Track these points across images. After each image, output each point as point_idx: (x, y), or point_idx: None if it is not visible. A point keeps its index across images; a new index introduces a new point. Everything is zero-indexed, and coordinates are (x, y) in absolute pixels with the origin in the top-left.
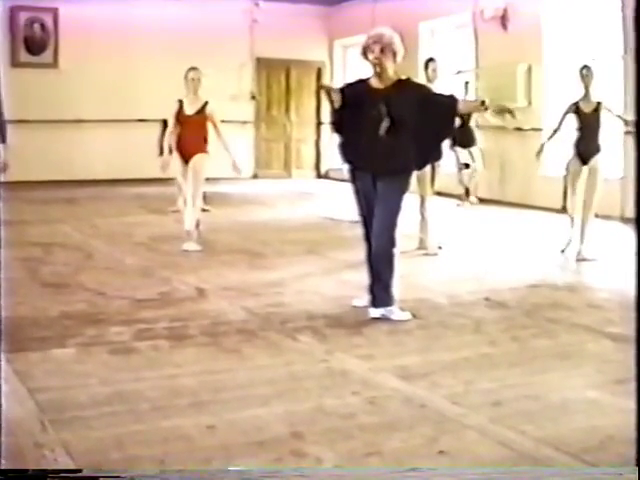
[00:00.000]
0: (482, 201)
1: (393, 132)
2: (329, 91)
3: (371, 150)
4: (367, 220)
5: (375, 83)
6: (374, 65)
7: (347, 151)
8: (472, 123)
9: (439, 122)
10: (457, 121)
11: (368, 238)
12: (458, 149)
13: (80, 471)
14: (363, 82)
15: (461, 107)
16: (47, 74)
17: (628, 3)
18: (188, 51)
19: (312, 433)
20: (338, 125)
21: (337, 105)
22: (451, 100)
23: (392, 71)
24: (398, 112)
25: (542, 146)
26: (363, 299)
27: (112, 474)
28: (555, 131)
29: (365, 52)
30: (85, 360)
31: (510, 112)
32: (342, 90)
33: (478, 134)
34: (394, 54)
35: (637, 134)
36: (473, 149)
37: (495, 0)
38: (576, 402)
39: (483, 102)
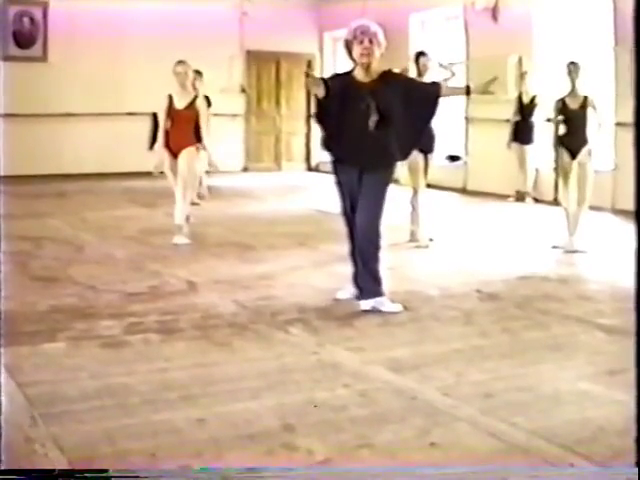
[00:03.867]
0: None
1: (381, 126)
2: (311, 82)
3: (359, 144)
4: (350, 215)
5: (361, 76)
6: (362, 56)
7: (332, 144)
8: (534, 118)
9: (423, 110)
10: (516, 116)
11: (352, 235)
12: (514, 145)
13: (106, 471)
14: (347, 75)
15: (445, 92)
16: (36, 68)
17: None
18: (178, 44)
19: (303, 426)
20: (321, 116)
21: (320, 95)
22: (434, 87)
23: (377, 63)
24: (385, 105)
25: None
26: (347, 291)
27: (134, 474)
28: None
29: (350, 44)
30: (75, 354)
31: (493, 81)
32: (325, 81)
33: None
34: (379, 46)
35: (636, 129)
36: (531, 147)
37: None
38: (568, 394)
39: (468, 87)
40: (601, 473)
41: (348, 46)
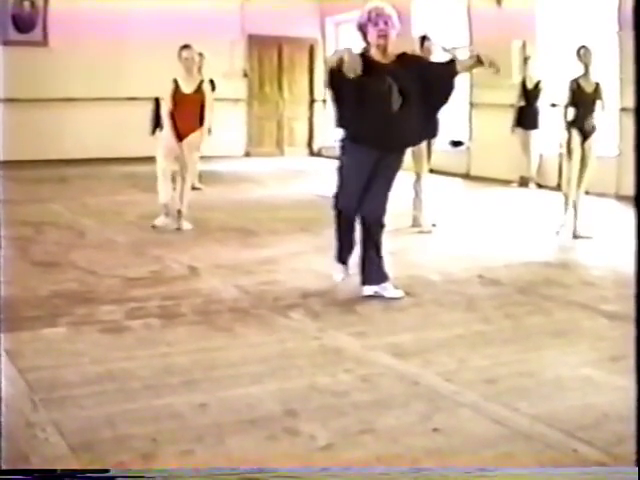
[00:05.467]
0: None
1: (403, 107)
2: (350, 63)
3: (382, 125)
4: (353, 194)
5: (379, 57)
6: (379, 38)
7: (351, 125)
8: (539, 103)
9: (440, 91)
10: (520, 101)
11: (346, 218)
12: (518, 130)
13: (107, 471)
14: (363, 55)
15: (459, 68)
16: (36, 52)
17: None
18: (179, 29)
19: (305, 411)
20: (339, 96)
21: (359, 71)
22: (450, 66)
23: (392, 46)
24: (406, 87)
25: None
26: (339, 270)
27: (139, 474)
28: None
29: (365, 27)
30: (76, 339)
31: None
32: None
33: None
34: (394, 29)
35: (636, 116)
36: (535, 132)
37: None
38: (571, 379)
39: (479, 57)
40: (601, 473)
41: (362, 29)
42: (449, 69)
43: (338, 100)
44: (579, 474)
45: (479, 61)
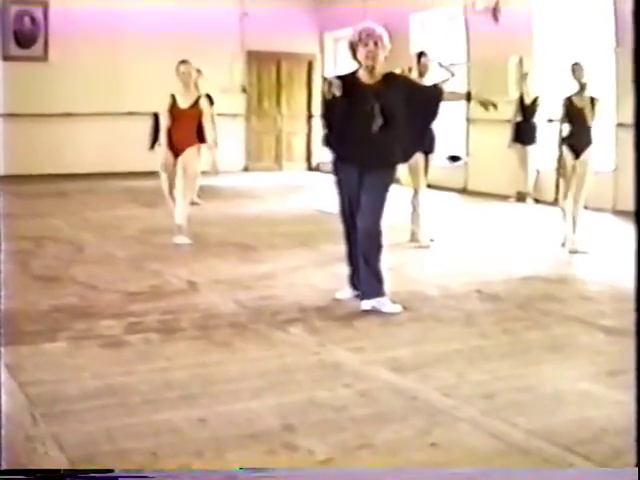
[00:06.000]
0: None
1: (384, 128)
2: (330, 85)
3: (361, 144)
4: (347, 215)
5: (365, 77)
6: (367, 59)
7: (335, 143)
8: (536, 119)
9: (425, 113)
10: (517, 116)
11: (348, 236)
12: (515, 146)
13: (112, 471)
14: (351, 76)
15: (446, 97)
16: (37, 67)
17: None
18: (178, 44)
19: (304, 425)
20: (329, 115)
21: (339, 93)
22: (436, 91)
23: (380, 66)
24: (389, 108)
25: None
26: (346, 291)
27: (141, 474)
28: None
29: (356, 46)
30: (76, 354)
31: (493, 105)
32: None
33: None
34: (383, 49)
35: (636, 130)
36: (532, 147)
37: None
38: (569, 394)
39: (468, 94)
40: (601, 473)
41: (353, 47)
42: (435, 95)
43: (326, 120)
44: (579, 475)
45: (467, 99)
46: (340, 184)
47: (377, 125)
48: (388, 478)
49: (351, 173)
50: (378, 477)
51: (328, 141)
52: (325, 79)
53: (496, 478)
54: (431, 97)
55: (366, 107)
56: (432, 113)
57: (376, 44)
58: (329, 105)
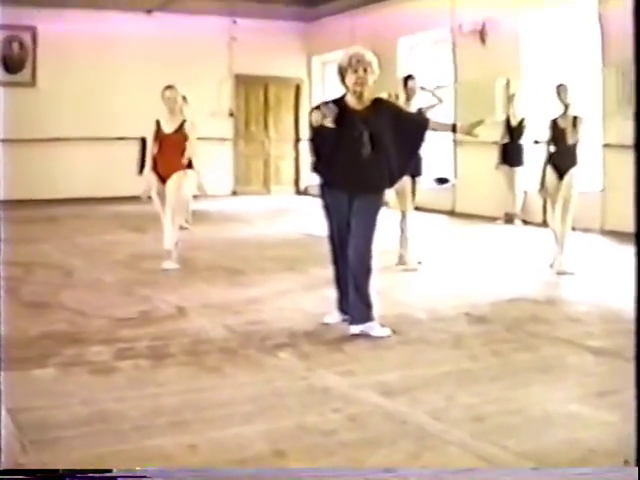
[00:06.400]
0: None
1: (372, 153)
2: (323, 111)
3: (350, 170)
4: (336, 239)
5: (353, 103)
6: (356, 85)
7: (323, 168)
8: (523, 140)
9: (411, 141)
10: (504, 138)
11: (336, 260)
12: (503, 167)
13: (110, 471)
14: (340, 101)
15: (432, 126)
16: (25, 93)
17: (606, 16)
18: (167, 68)
19: (294, 450)
20: (317, 141)
21: (333, 117)
22: (423, 120)
23: (369, 92)
24: (377, 133)
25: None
26: (334, 315)
27: (141, 474)
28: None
29: (345, 71)
30: (65, 380)
31: (479, 123)
32: (319, 107)
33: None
34: (373, 75)
35: (636, 148)
36: (519, 169)
37: (473, 14)
38: (558, 416)
39: (454, 126)
40: (601, 473)
41: (342, 72)
42: (421, 124)
43: (314, 147)
44: (579, 474)
45: (453, 130)
46: (328, 209)
47: (366, 151)
48: (388, 478)
49: (340, 198)
50: (378, 477)
51: (316, 167)
52: (314, 108)
53: (496, 478)
54: (417, 127)
55: (354, 133)
56: (417, 143)
57: (365, 70)
58: (316, 132)
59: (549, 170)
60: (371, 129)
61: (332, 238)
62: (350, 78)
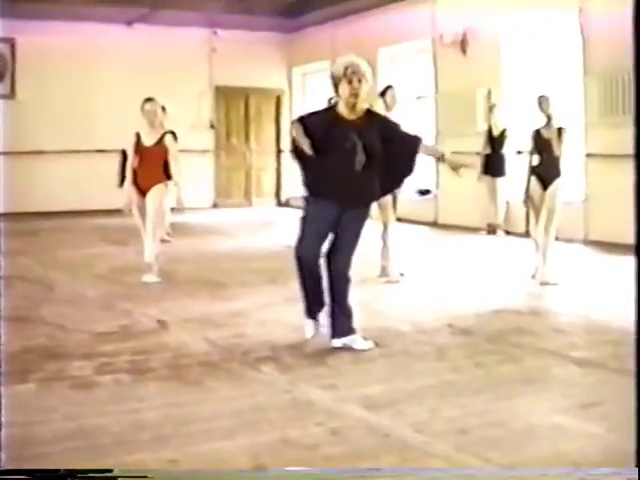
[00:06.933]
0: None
1: (366, 165)
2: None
3: (343, 182)
4: (310, 250)
5: (346, 113)
6: (350, 96)
7: (313, 180)
8: (504, 150)
9: (403, 158)
10: (486, 149)
11: (302, 269)
12: (485, 178)
13: (110, 471)
14: (330, 111)
15: (422, 150)
16: (4, 105)
17: (587, 26)
18: (147, 80)
19: (276, 464)
20: (300, 153)
21: (310, 151)
22: (415, 139)
23: (362, 103)
24: (371, 145)
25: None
26: (310, 326)
27: (141, 474)
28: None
29: (339, 81)
30: (47, 395)
31: (466, 166)
32: (302, 119)
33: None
34: (367, 85)
35: (636, 157)
36: (501, 179)
37: (454, 25)
38: (542, 428)
39: (442, 155)
40: (601, 473)
41: (335, 82)
42: (414, 144)
43: (300, 158)
44: (579, 474)
45: (441, 160)
46: (314, 221)
47: (360, 163)
48: (388, 478)
49: (330, 210)
50: (378, 476)
51: (307, 180)
52: (294, 121)
53: (496, 477)
54: (410, 145)
55: (347, 145)
56: (411, 162)
57: (360, 81)
58: (297, 146)
59: (533, 181)
60: (364, 140)
61: (303, 248)
62: (344, 89)
